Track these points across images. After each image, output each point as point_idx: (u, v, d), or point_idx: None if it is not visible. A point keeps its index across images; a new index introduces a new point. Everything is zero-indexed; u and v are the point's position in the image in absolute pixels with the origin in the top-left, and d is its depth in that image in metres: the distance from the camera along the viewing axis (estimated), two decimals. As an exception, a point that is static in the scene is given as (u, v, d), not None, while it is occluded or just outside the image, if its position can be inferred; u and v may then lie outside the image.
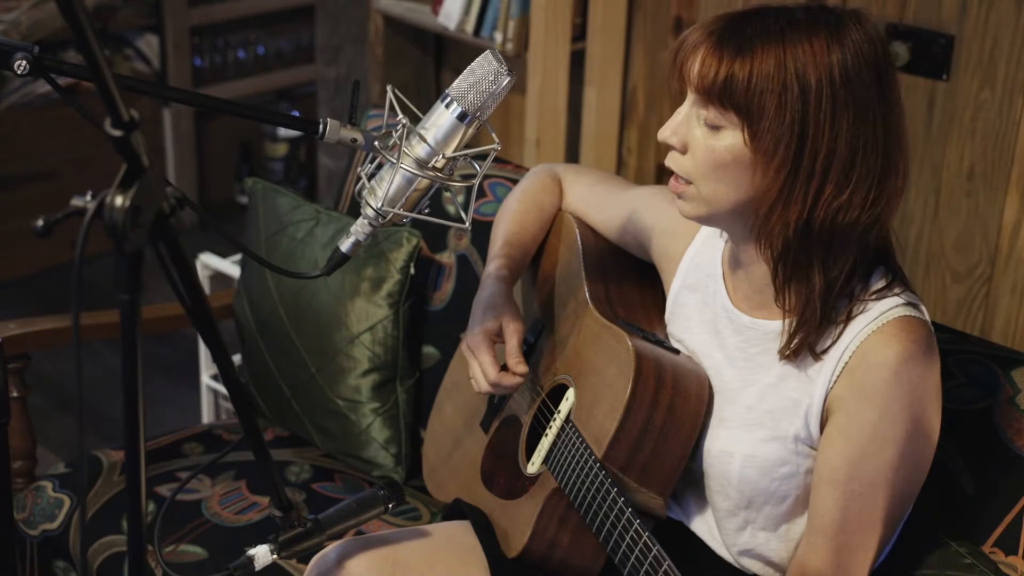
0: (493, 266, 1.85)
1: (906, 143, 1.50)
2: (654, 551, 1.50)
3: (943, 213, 2.37)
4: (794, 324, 1.52)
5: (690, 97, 1.49)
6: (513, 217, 1.92)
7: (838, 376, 1.50)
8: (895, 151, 1.47)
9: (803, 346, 1.51)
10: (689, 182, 1.51)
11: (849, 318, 1.50)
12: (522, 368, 1.72)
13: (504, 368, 1.73)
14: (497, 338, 1.76)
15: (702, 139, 1.48)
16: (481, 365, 1.73)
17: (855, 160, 1.44)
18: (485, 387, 1.73)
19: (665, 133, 1.52)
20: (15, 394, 2.20)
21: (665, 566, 1.48)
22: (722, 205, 1.50)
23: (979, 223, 2.32)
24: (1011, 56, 2.22)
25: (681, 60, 1.49)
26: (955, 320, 2.37)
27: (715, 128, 1.47)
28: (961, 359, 1.71)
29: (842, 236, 1.46)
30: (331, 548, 1.72)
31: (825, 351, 1.50)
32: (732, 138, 1.46)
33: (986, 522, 1.67)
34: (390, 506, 1.57)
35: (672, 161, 1.53)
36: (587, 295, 1.77)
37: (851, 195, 1.45)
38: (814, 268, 1.48)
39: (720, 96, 1.44)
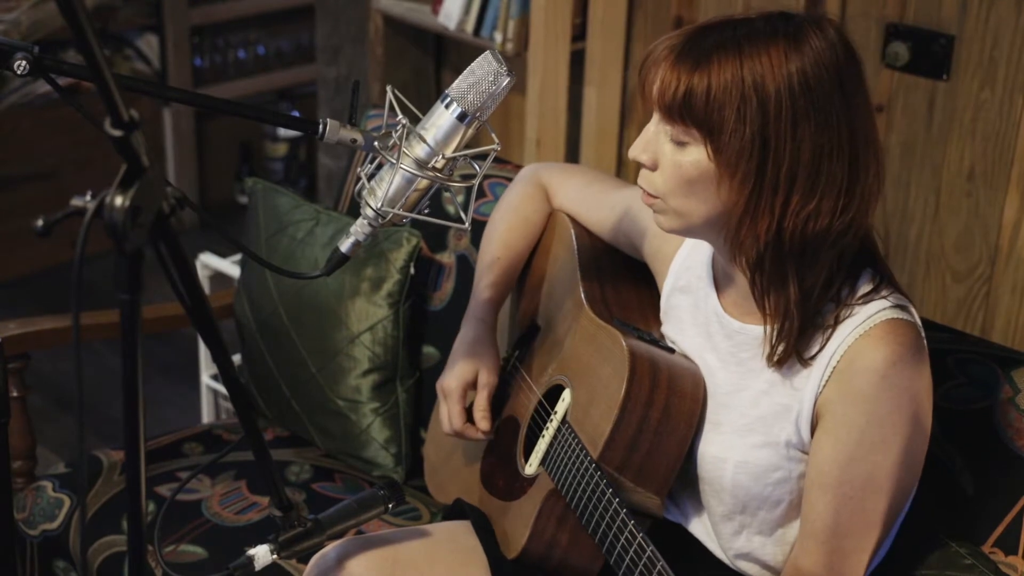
0: (479, 299, 1.90)
1: (877, 145, 1.48)
2: (648, 552, 1.50)
3: (943, 213, 2.37)
4: (775, 333, 1.52)
5: (655, 114, 1.49)
6: (499, 239, 1.93)
7: (827, 381, 1.49)
8: (863, 155, 1.45)
9: (788, 353, 1.51)
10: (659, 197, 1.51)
11: (836, 322, 1.49)
12: (485, 426, 1.84)
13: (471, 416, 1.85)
14: (471, 388, 1.85)
15: (670, 155, 1.48)
16: (449, 413, 1.84)
17: (820, 168, 1.43)
18: (447, 431, 1.85)
19: (635, 151, 1.52)
20: (15, 394, 2.20)
21: (659, 567, 1.48)
22: (694, 219, 1.50)
23: (979, 223, 2.32)
24: (1011, 56, 2.22)
25: (643, 77, 1.48)
26: (955, 320, 2.37)
27: (680, 144, 1.47)
28: (961, 359, 1.71)
29: (814, 245, 1.46)
30: (331, 548, 1.72)
31: (813, 356, 1.50)
32: (697, 153, 1.45)
33: (986, 522, 1.67)
34: (390, 506, 1.57)
35: (642, 179, 1.53)
36: (583, 295, 1.77)
37: (819, 203, 1.43)
38: (789, 278, 1.48)
39: (680, 112, 1.44)
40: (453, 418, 1.83)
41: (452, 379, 1.84)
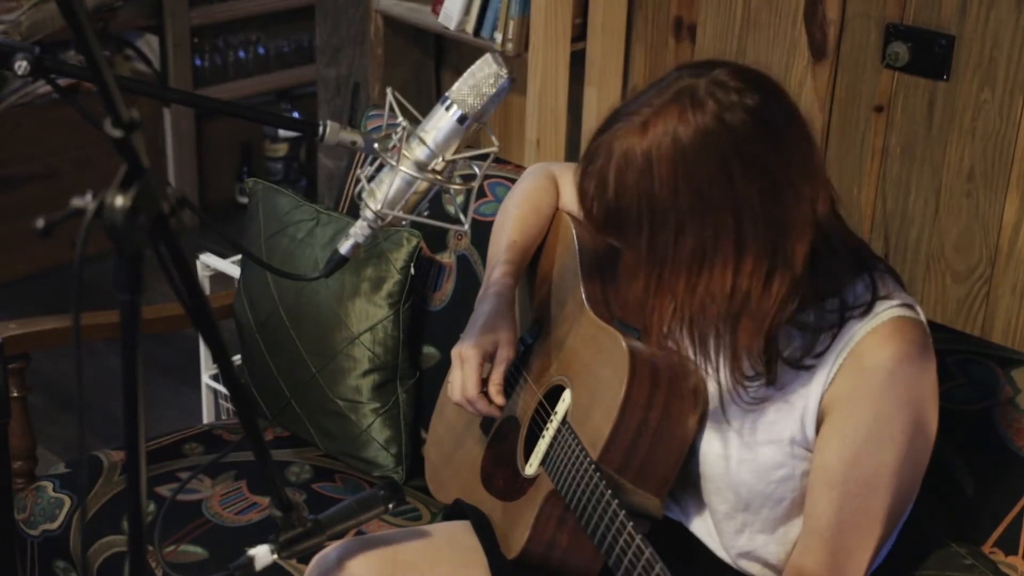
0: (497, 276, 1.86)
1: (783, 191, 1.42)
2: (646, 554, 1.49)
3: (943, 213, 2.37)
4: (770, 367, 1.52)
5: None
6: (513, 224, 1.92)
7: (833, 378, 1.49)
8: (750, 220, 1.41)
9: (794, 359, 1.51)
10: None
11: (843, 320, 1.49)
12: (500, 400, 1.75)
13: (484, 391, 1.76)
14: (488, 360, 1.77)
15: None
16: (465, 378, 1.74)
17: (704, 262, 1.42)
18: (459, 398, 1.75)
19: None
20: (15, 394, 2.21)
21: (657, 569, 1.48)
22: None
23: (979, 223, 2.32)
24: (1011, 56, 2.22)
25: None
26: (955, 320, 2.37)
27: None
28: (961, 359, 1.71)
29: (749, 310, 1.45)
30: (331, 548, 1.73)
31: (820, 354, 1.50)
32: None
33: (986, 522, 1.67)
34: (390, 506, 1.57)
35: None
36: (583, 296, 1.77)
37: (734, 276, 1.42)
38: (760, 345, 1.48)
39: (602, 231, 1.49)
40: (468, 385, 1.74)
41: (471, 347, 1.76)
